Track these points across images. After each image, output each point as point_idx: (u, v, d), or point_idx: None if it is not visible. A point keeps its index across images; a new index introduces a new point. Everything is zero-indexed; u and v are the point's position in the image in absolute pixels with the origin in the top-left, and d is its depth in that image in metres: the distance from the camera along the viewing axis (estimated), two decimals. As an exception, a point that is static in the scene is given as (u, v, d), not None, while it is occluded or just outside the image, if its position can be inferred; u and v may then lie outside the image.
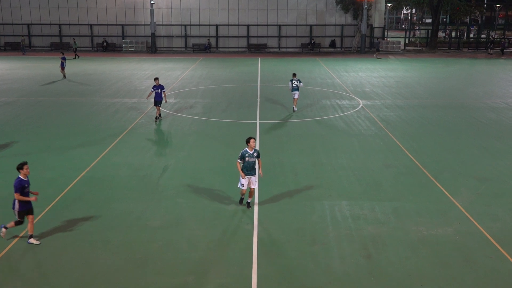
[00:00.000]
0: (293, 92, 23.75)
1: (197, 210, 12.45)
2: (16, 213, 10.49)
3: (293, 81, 23.63)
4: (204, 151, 17.59)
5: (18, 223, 10.64)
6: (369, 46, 55.83)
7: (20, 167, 10.43)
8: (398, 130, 20.39)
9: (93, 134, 19.53)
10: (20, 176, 10.41)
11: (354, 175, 15.10)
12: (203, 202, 12.94)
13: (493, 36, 61.08)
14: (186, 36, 55.53)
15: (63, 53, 35.96)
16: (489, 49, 54.12)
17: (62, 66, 33.84)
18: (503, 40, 57.27)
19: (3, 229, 10.69)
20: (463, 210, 12.48)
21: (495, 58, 49.64)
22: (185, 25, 55.16)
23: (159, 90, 21.50)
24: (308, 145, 18.22)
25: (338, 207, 12.69)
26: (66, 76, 34.36)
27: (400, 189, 14.01)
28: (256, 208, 12.56)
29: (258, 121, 21.75)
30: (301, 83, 23.98)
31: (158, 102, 21.62)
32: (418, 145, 18.26)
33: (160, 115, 22.01)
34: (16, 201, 10.40)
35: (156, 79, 21.98)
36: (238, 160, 12.20)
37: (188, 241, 10.79)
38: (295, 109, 23.98)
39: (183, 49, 55.70)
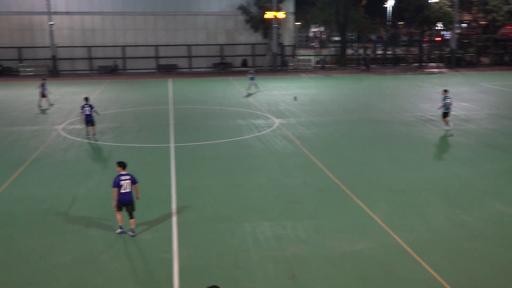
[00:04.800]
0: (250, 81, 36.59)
1: (110, 242, 11.57)
2: None
3: (250, 73, 37.21)
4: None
5: None
6: (281, 64, 56.66)
7: None
8: (314, 147, 20.54)
9: (-9, 166, 17.88)
10: None
11: (273, 194, 14.86)
12: (115, 233, 12.07)
13: (367, 54, 63.83)
14: (90, 58, 53.42)
15: None
16: (365, 66, 55.94)
17: None
18: (366, 56, 60.62)
19: None
20: (381, 223, 12.59)
21: (372, 74, 51.21)
22: (89, 47, 53.06)
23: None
24: (225, 166, 17.82)
25: (259, 228, 12.34)
26: None
27: (320, 206, 13.94)
28: (175, 235, 11.91)
29: (172, 145, 21.05)
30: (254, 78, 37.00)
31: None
32: (334, 161, 18.44)
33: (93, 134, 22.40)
34: None
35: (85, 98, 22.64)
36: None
37: (104, 277, 9.94)
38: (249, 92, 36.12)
39: (88, 72, 53.41)
